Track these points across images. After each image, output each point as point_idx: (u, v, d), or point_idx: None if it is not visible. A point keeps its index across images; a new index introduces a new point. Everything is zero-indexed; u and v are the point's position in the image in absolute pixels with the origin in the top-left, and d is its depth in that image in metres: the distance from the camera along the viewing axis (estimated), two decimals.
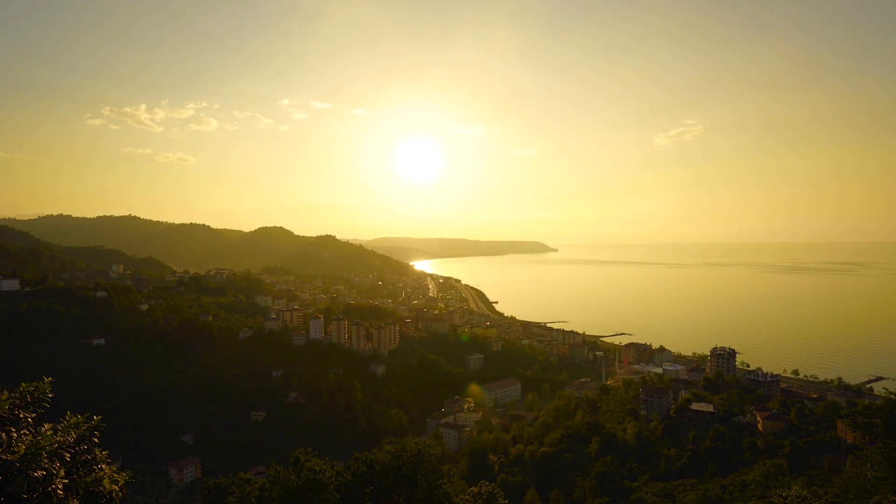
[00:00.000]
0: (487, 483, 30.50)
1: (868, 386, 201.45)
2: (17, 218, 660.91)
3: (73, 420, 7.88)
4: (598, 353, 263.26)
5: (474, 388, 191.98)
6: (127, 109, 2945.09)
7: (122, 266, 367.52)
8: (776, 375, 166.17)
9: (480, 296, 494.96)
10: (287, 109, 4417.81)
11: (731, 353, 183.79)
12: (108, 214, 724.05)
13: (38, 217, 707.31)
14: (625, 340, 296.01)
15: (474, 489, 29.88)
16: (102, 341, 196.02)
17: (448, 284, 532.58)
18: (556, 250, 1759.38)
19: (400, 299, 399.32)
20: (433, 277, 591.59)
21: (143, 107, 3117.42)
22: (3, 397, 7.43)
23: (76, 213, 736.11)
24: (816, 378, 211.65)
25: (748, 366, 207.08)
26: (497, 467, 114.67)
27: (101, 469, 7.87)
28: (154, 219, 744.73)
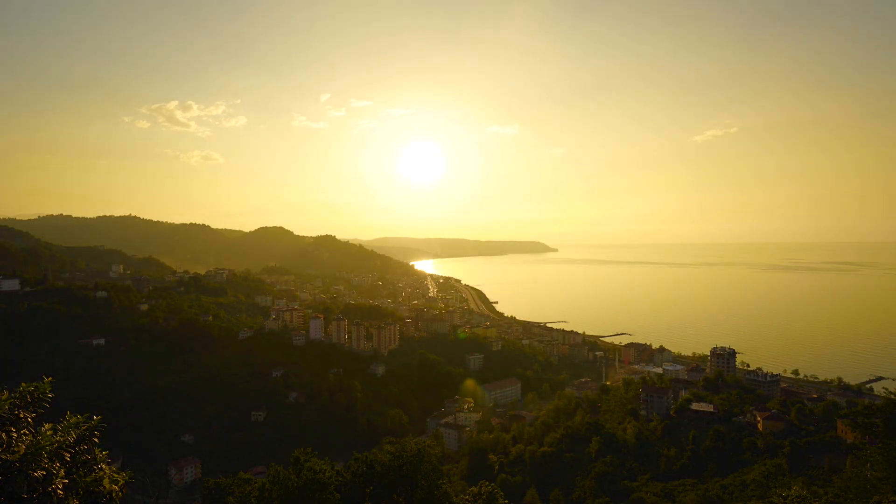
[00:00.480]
0: (487, 483, 30.51)
1: (868, 386, 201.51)
2: (17, 218, 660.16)
3: (73, 420, 7.89)
4: (598, 353, 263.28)
5: (470, 384, 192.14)
6: (156, 106, 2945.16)
7: (122, 266, 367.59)
8: (776, 375, 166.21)
9: (480, 296, 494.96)
10: (324, 106, 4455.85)
11: (731, 353, 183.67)
12: (108, 214, 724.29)
13: (38, 217, 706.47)
14: (625, 340, 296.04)
15: (474, 489, 29.90)
16: (102, 341, 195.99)
17: (448, 284, 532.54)
18: (556, 250, 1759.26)
19: (400, 299, 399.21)
20: (433, 277, 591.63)
21: (173, 103, 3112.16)
22: (3, 397, 7.44)
23: (76, 213, 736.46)
24: (816, 378, 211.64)
25: (748, 366, 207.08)
26: (497, 467, 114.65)
27: (101, 469, 7.88)
28: (154, 219, 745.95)
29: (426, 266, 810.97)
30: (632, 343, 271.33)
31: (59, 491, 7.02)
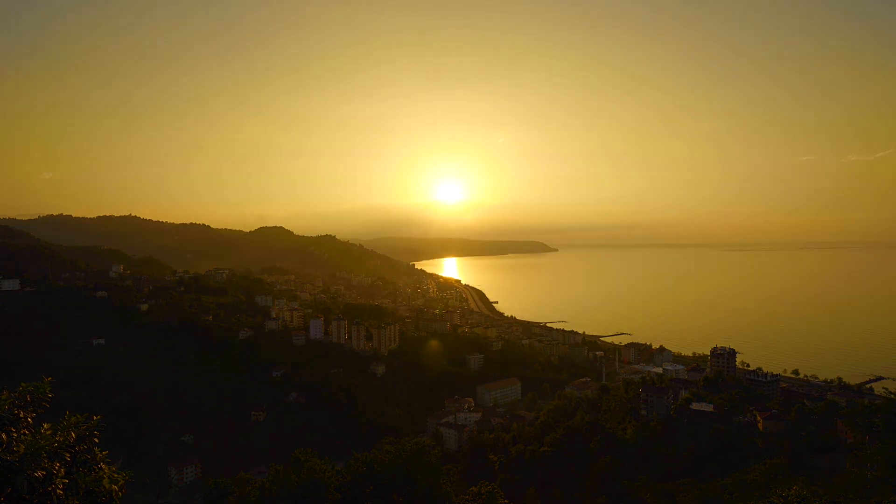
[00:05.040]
0: (487, 483, 30.52)
1: (868, 386, 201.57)
2: (17, 218, 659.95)
3: (73, 420, 7.89)
4: (598, 353, 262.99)
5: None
6: None
7: (122, 266, 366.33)
8: (776, 375, 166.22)
9: (480, 296, 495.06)
10: None
11: (731, 353, 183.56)
12: (108, 214, 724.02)
13: (38, 217, 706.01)
14: (625, 340, 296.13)
15: (474, 489, 29.91)
16: (102, 341, 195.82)
17: (448, 284, 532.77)
18: (555, 250, 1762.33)
19: (400, 299, 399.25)
20: (433, 277, 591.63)
21: None
22: (3, 397, 7.44)
23: (76, 213, 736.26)
24: (816, 378, 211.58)
25: (748, 366, 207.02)
26: (497, 467, 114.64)
27: (100, 469, 7.88)
28: (154, 219, 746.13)
29: (427, 266, 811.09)
30: (632, 343, 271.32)
31: (58, 491, 7.02)
